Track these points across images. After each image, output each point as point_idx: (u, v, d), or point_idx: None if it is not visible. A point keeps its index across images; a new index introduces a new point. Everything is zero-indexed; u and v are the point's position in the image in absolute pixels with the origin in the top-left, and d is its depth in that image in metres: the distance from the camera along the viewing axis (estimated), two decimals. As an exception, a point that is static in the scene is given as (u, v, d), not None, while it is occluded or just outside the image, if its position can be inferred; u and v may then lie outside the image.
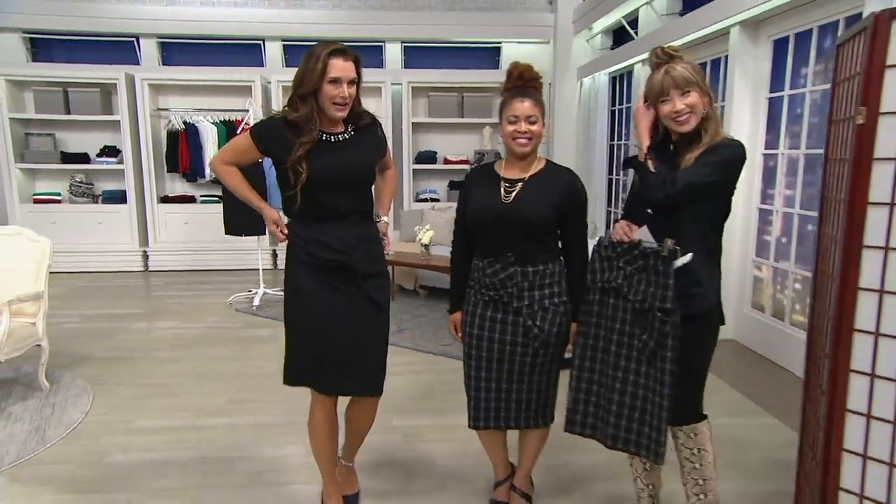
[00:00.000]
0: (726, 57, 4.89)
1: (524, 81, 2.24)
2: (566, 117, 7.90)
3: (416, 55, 8.27)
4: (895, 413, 1.96)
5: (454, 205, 2.53)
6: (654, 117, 2.16)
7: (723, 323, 2.21)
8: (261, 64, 8.06)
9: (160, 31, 7.77)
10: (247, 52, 8.07)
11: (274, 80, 7.54)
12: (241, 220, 5.63)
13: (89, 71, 7.46)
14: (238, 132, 6.02)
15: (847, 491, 2.09)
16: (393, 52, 8.16)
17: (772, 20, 4.46)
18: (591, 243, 2.28)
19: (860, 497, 2.06)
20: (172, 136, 7.64)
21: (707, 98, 2.08)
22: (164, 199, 7.77)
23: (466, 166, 7.71)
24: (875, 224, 1.95)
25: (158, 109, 7.73)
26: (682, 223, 2.10)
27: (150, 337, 5.11)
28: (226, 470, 2.98)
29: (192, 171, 7.57)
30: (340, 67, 2.18)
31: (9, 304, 3.58)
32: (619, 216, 2.34)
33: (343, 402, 2.51)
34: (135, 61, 7.84)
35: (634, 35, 6.51)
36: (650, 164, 2.11)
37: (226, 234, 6.04)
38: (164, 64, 7.99)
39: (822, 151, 2.37)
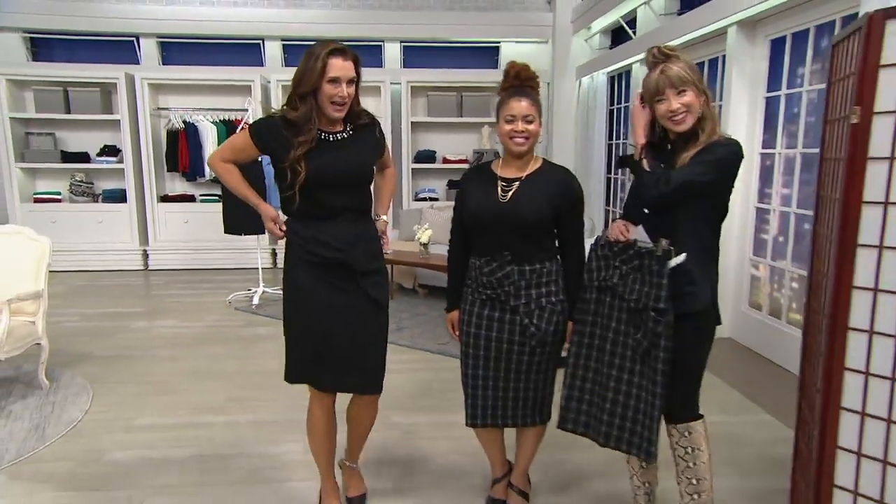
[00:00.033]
0: (724, 56, 4.90)
1: (521, 81, 2.25)
2: (565, 117, 7.91)
3: (415, 55, 8.28)
4: (888, 411, 1.98)
5: (453, 204, 2.54)
6: (650, 116, 2.16)
7: (719, 323, 2.20)
8: (260, 63, 8.07)
9: (160, 30, 7.78)
10: (246, 51, 8.08)
11: (273, 79, 7.55)
12: (240, 219, 5.64)
13: (89, 70, 7.47)
14: (238, 132, 6.03)
15: (841, 488, 2.10)
16: (392, 52, 8.17)
17: (769, 20, 4.47)
18: (590, 242, 2.28)
19: (854, 494, 2.07)
20: (172, 135, 7.66)
21: (704, 97, 2.08)
22: (164, 199, 7.78)
23: (465, 165, 7.72)
24: (869, 223, 1.96)
25: (158, 109, 7.74)
26: (677, 222, 2.10)
27: (149, 335, 5.13)
28: (225, 467, 2.99)
29: (192, 171, 7.59)
30: (340, 67, 2.19)
31: (8, 302, 3.59)
32: (619, 215, 2.34)
33: (342, 401, 2.51)
34: (135, 61, 7.85)
35: (633, 35, 6.52)
36: (645, 162, 2.12)
37: (225, 232, 6.05)
38: (163, 63, 8.00)
39: (818, 151, 2.38)
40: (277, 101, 7.40)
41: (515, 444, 2.57)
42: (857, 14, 3.51)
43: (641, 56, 5.83)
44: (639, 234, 2.22)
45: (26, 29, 7.67)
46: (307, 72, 2.19)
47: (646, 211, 2.23)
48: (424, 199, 8.06)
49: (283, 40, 8.03)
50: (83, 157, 7.64)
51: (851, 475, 2.07)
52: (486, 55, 8.39)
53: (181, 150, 7.58)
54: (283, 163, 2.23)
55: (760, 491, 2.78)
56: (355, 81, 2.26)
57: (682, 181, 2.02)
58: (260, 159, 5.01)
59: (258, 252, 6.50)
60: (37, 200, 7.60)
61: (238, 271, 7.56)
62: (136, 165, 7.53)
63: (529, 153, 2.29)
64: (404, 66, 8.21)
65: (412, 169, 8.05)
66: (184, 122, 7.58)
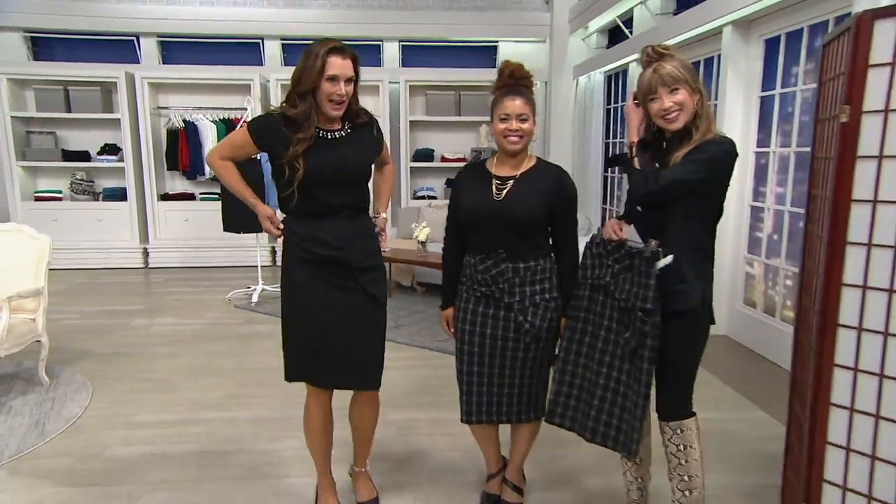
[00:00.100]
0: (719, 56, 4.93)
1: (515, 80, 2.26)
2: (562, 115, 7.95)
3: (414, 54, 8.30)
4: (877, 406, 2.00)
5: (449, 202, 2.56)
6: (644, 115, 2.17)
7: (712, 322, 2.20)
8: (260, 63, 8.10)
9: (160, 30, 7.81)
10: (246, 50, 8.11)
11: (273, 78, 7.57)
12: (238, 217, 5.66)
13: (90, 70, 7.49)
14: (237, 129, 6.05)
15: (831, 483, 2.13)
16: (391, 51, 8.20)
17: (763, 20, 4.50)
18: (585, 240, 2.30)
19: (843, 489, 2.10)
20: (172, 134, 7.68)
21: (698, 96, 2.07)
22: (164, 197, 7.81)
23: (464, 164, 7.74)
24: (858, 221, 1.98)
25: (158, 108, 7.77)
26: (669, 221, 2.10)
27: (149, 333, 5.15)
28: (224, 463, 3.02)
29: (192, 169, 7.61)
30: (339, 65, 2.20)
31: (9, 300, 3.62)
32: (618, 215, 2.35)
33: (340, 398, 2.53)
34: (135, 60, 7.88)
35: (629, 34, 6.54)
36: (636, 161, 2.13)
37: (224, 230, 6.08)
38: (163, 63, 8.03)
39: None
40: (277, 100, 7.41)
41: (510, 440, 2.59)
42: (850, 14, 3.54)
43: (638, 55, 5.86)
44: (632, 233, 2.24)
45: (27, 28, 7.69)
46: (306, 70, 2.20)
47: (639, 209, 2.23)
48: (423, 198, 8.08)
49: (282, 40, 8.05)
50: (84, 156, 7.67)
51: (840, 470, 2.10)
52: (484, 54, 8.42)
53: (181, 149, 7.61)
54: (281, 159, 2.24)
55: (753, 487, 2.80)
56: (354, 80, 2.27)
57: (672, 179, 2.03)
58: (259, 157, 5.04)
59: (258, 250, 6.52)
60: (38, 199, 7.63)
61: (237, 269, 7.59)
62: (136, 164, 7.56)
63: (524, 152, 2.30)
64: (403, 66, 8.23)
65: (411, 167, 8.06)
66: (184, 120, 7.60)
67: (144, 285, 7.02)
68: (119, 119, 7.45)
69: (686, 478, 2.24)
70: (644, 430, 2.28)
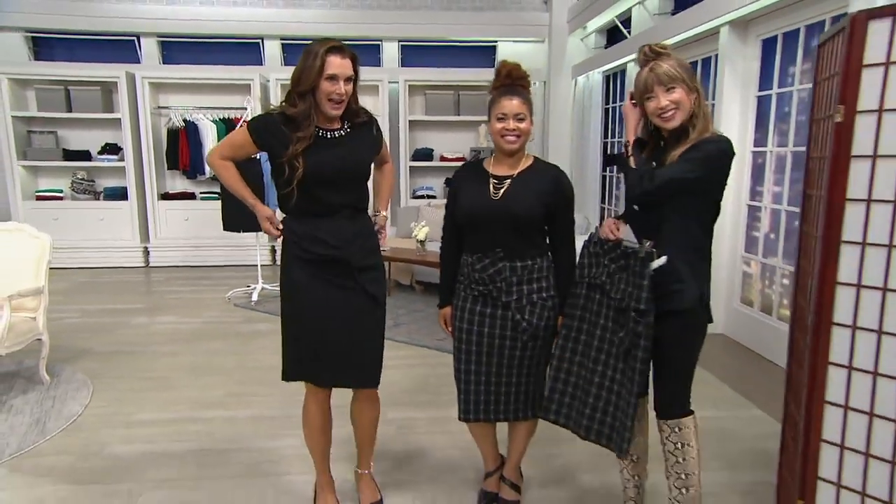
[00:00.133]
0: (716, 56, 4.95)
1: (512, 80, 2.27)
2: (561, 115, 7.97)
3: (413, 54, 8.32)
4: (871, 404, 2.01)
5: (448, 201, 2.57)
6: (641, 114, 2.18)
7: (710, 321, 2.20)
8: (259, 62, 8.12)
9: (160, 30, 7.83)
10: (246, 50, 8.13)
11: (272, 78, 7.57)
12: (238, 217, 5.67)
13: (90, 69, 7.50)
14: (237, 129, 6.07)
15: (825, 480, 2.13)
16: (390, 51, 8.22)
17: (760, 20, 4.51)
18: (583, 239, 2.31)
19: (837, 486, 2.11)
20: (173, 133, 7.69)
21: (695, 94, 2.07)
22: (165, 196, 7.82)
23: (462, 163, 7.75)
24: (853, 220, 1.99)
25: (159, 107, 7.78)
26: (666, 220, 2.11)
27: (149, 331, 5.17)
28: (223, 461, 3.03)
29: (192, 169, 7.63)
30: (338, 65, 2.20)
31: (9, 298, 3.63)
32: (616, 214, 2.36)
33: (340, 396, 2.54)
34: (135, 60, 7.90)
35: (627, 34, 6.56)
36: (631, 160, 2.14)
37: (224, 230, 6.09)
38: (164, 62, 8.05)
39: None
40: (276, 100, 7.42)
41: (507, 438, 2.61)
42: (846, 14, 3.55)
43: (636, 55, 5.88)
44: (629, 232, 2.25)
45: (28, 28, 7.71)
46: (306, 69, 2.21)
47: (635, 208, 2.24)
48: (422, 197, 8.09)
49: (282, 39, 8.07)
50: (85, 156, 7.68)
51: (835, 468, 2.11)
52: (483, 54, 8.43)
53: (181, 149, 7.62)
54: (280, 158, 2.25)
55: (749, 484, 2.82)
56: (353, 79, 2.28)
57: (667, 178, 2.03)
58: (258, 157, 5.05)
59: (257, 249, 6.53)
60: (39, 198, 7.64)
61: (237, 268, 7.61)
62: (136, 163, 7.57)
63: (521, 151, 2.32)
64: (402, 65, 8.25)
65: (410, 167, 8.08)
66: (184, 120, 7.62)
67: (145, 284, 7.04)
68: (120, 119, 7.46)
69: (683, 476, 2.25)
70: (638, 429, 2.29)
